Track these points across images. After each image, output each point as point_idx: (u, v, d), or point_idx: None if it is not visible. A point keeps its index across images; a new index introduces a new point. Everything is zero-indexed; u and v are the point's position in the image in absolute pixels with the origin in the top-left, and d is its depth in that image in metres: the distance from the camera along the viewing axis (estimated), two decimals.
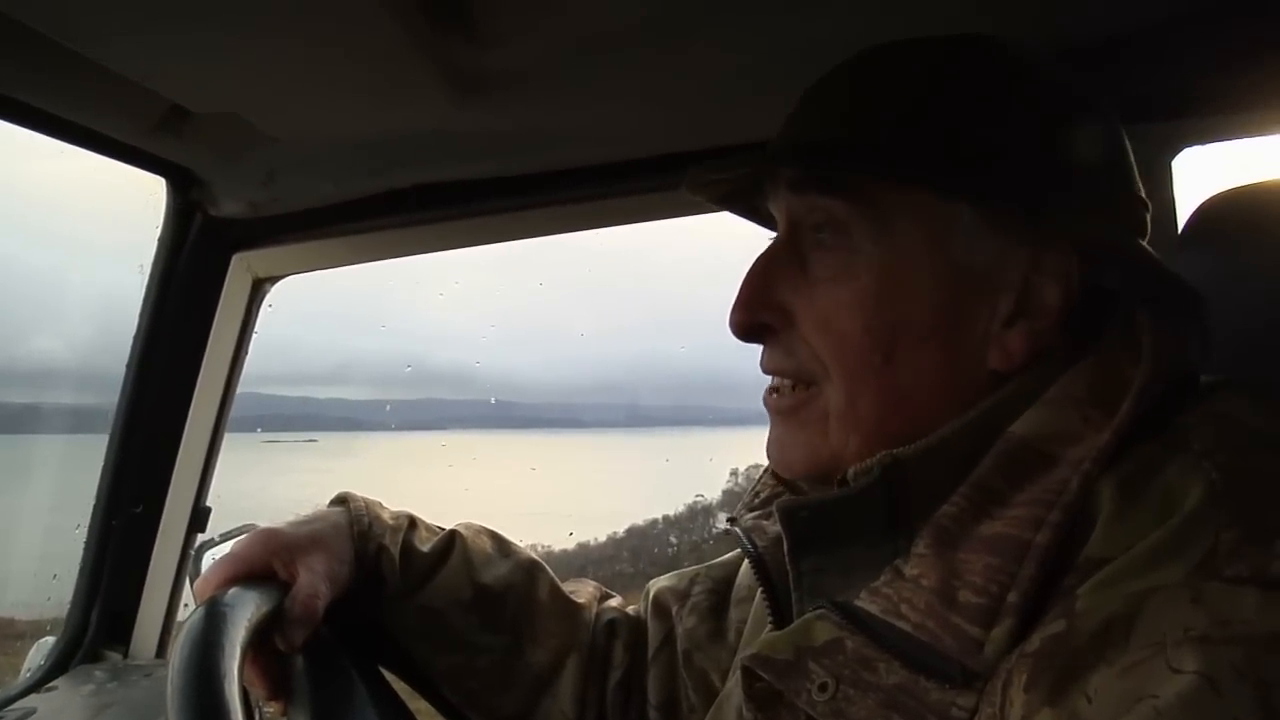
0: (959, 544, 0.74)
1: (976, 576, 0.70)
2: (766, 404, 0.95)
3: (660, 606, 1.33)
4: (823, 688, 0.73)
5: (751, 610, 1.18)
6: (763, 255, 0.93)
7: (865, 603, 0.77)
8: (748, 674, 0.80)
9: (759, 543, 0.98)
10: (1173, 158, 1.40)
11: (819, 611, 0.79)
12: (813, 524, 0.83)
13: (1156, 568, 0.62)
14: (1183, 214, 1.37)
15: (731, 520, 1.06)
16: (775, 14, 1.23)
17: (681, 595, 1.31)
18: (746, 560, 1.04)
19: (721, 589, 1.28)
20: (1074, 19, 1.30)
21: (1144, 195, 0.88)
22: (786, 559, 0.87)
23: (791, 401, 0.91)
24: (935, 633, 0.70)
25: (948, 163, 0.82)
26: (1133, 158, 0.88)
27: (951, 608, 0.70)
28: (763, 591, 0.96)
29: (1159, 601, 0.59)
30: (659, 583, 1.37)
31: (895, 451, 0.79)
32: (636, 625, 1.36)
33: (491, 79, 1.34)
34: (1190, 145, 1.40)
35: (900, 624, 0.73)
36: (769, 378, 0.94)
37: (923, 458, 0.79)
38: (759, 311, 0.91)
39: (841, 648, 0.75)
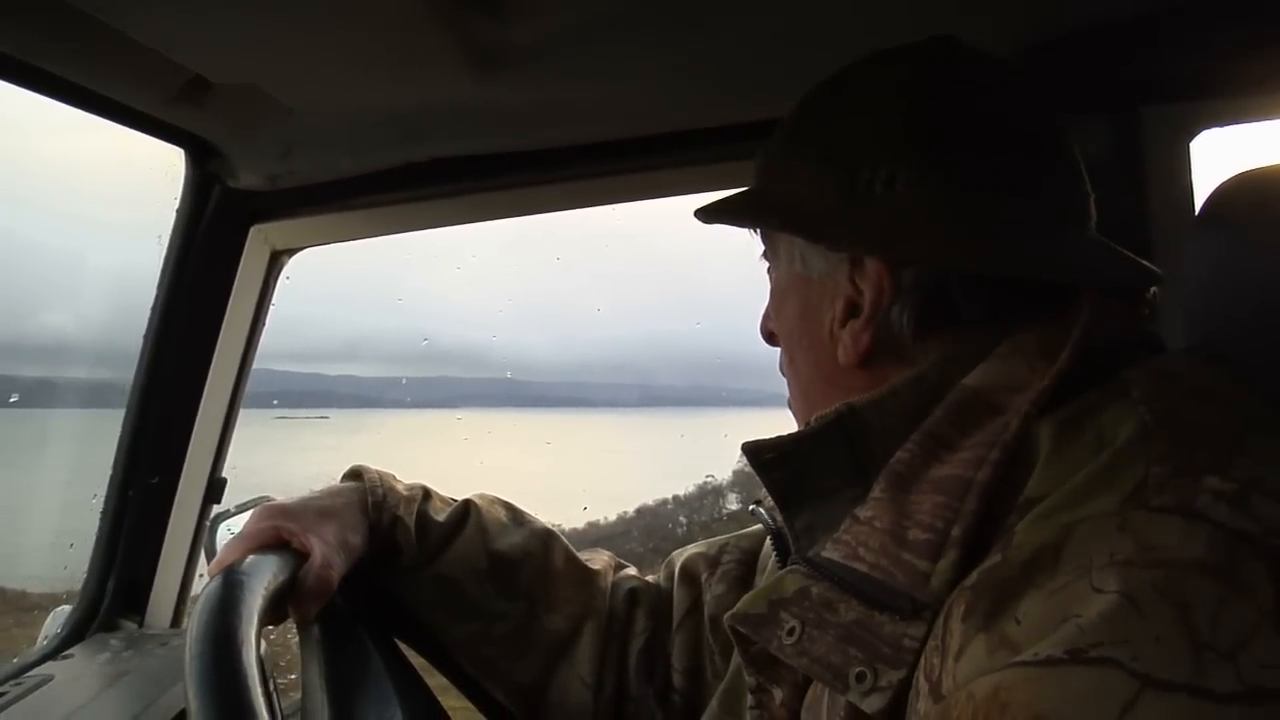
0: (911, 487, 0.77)
1: (925, 515, 0.74)
2: None
3: (689, 574, 1.35)
4: (790, 632, 0.77)
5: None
6: None
7: (829, 551, 0.80)
8: (740, 637, 0.83)
9: (777, 518, 1.01)
10: (1191, 140, 1.40)
11: (792, 567, 0.83)
12: (787, 474, 0.90)
13: (1088, 499, 0.65)
14: (1200, 196, 1.38)
15: (757, 503, 1.11)
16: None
17: (712, 562, 1.33)
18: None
19: (749, 559, 1.31)
20: (1085, 2, 1.30)
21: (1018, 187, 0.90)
22: (782, 519, 0.92)
23: None
24: (888, 570, 0.73)
25: (763, 204, 1.00)
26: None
27: (902, 545, 0.74)
28: (776, 559, 1.06)
29: (1087, 530, 0.62)
30: (687, 551, 1.39)
31: (851, 400, 0.85)
32: (658, 593, 1.37)
33: (512, 53, 1.34)
34: (1209, 127, 1.40)
35: (858, 566, 0.76)
36: (779, 370, 1.07)
37: (876, 406, 0.84)
38: (765, 322, 1.08)
39: (807, 594, 0.78)
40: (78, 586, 1.86)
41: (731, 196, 1.02)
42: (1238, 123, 1.40)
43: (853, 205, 0.89)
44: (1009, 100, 0.92)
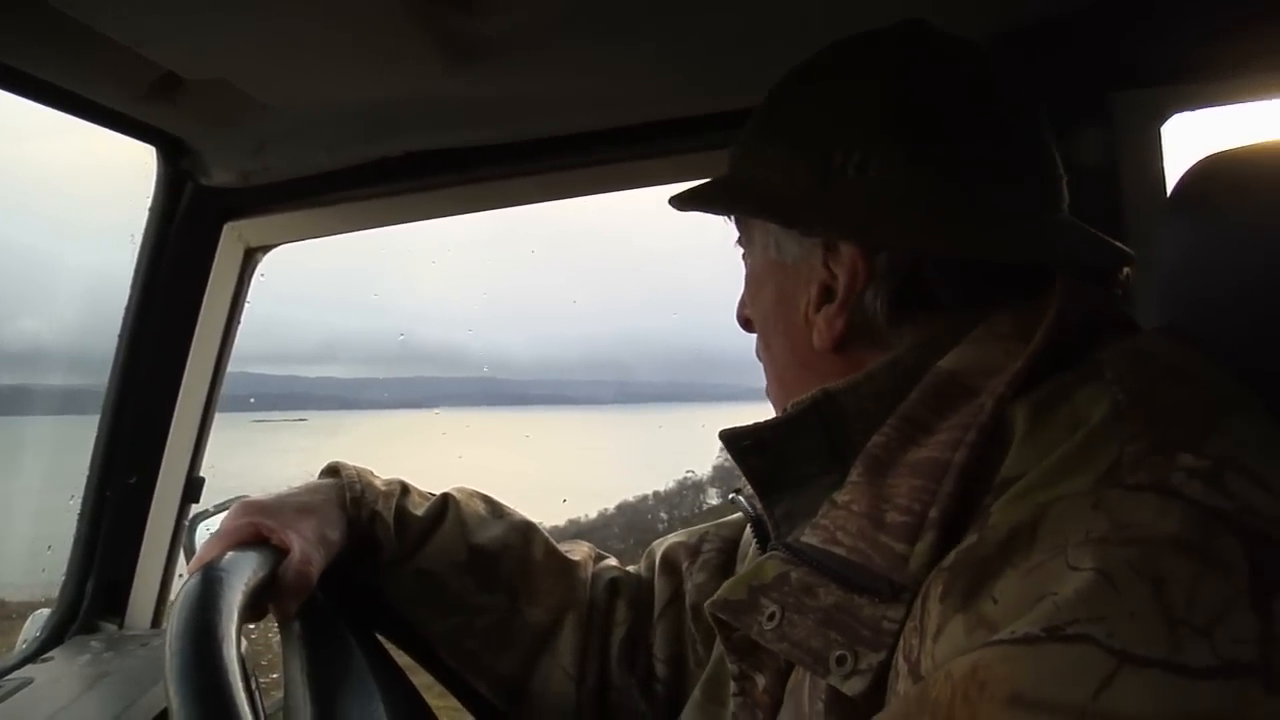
0: (888, 470, 0.78)
1: (902, 498, 0.74)
2: None
3: (670, 563, 1.35)
4: (770, 617, 0.78)
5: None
6: None
7: (808, 536, 0.81)
8: (721, 625, 0.84)
9: (757, 506, 1.01)
10: (1162, 124, 1.41)
11: (771, 553, 0.84)
12: (764, 460, 0.90)
13: (1063, 479, 0.66)
14: (1172, 180, 1.39)
15: (736, 491, 1.11)
16: None
17: (693, 551, 1.33)
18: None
19: (730, 548, 1.31)
20: None
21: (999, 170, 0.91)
22: (760, 505, 0.92)
23: None
24: (866, 553, 0.74)
25: (737, 191, 1.00)
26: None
27: (880, 528, 0.74)
28: (757, 546, 1.06)
29: (1062, 508, 0.63)
30: (667, 540, 1.39)
31: (827, 385, 0.86)
32: (639, 583, 1.38)
33: (485, 45, 1.33)
34: (1179, 111, 1.41)
35: (836, 550, 0.77)
36: (756, 355, 1.08)
37: (852, 391, 0.85)
38: (741, 309, 1.09)
39: (787, 580, 0.79)
40: (55, 592, 1.85)
41: (705, 184, 1.03)
42: (1208, 106, 1.41)
43: (826, 190, 0.89)
44: (981, 83, 0.92)
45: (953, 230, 0.86)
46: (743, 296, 1.08)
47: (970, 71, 0.93)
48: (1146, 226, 1.33)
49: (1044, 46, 1.37)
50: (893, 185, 0.87)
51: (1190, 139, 1.44)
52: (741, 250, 1.07)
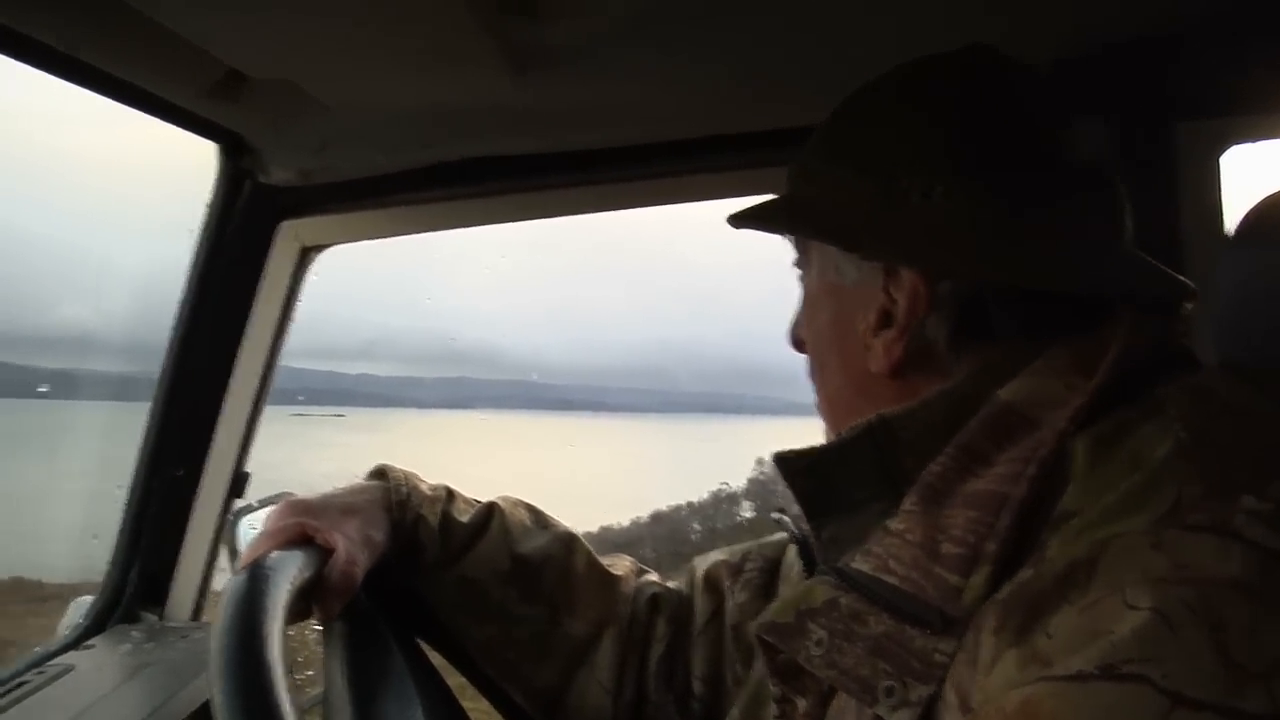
0: (944, 501, 0.77)
1: (958, 529, 0.73)
2: None
3: (711, 581, 1.34)
4: (819, 642, 0.77)
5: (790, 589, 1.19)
6: None
7: (859, 563, 0.80)
8: (766, 647, 0.84)
9: (803, 527, 1.01)
10: (1221, 155, 1.40)
11: (820, 577, 0.84)
12: (815, 483, 0.89)
13: (1122, 517, 0.65)
14: (1230, 211, 1.38)
15: (780, 511, 1.10)
16: (827, 5, 1.25)
17: (735, 570, 1.33)
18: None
19: (772, 568, 1.30)
20: (1117, 16, 1.29)
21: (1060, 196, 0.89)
22: (808, 528, 0.92)
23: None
24: (919, 583, 0.74)
25: (797, 212, 0.99)
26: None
27: (935, 559, 0.74)
28: (802, 568, 1.07)
29: (1120, 546, 0.62)
30: (710, 558, 1.38)
31: (883, 411, 0.85)
32: (679, 599, 1.37)
33: (547, 54, 1.34)
34: (1239, 142, 1.40)
35: (889, 579, 0.76)
36: (809, 376, 1.07)
37: (908, 418, 0.84)
38: (793, 330, 1.08)
39: (836, 605, 0.78)
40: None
41: (765, 203, 1.02)
42: (1268, 139, 1.40)
43: (889, 215, 0.88)
44: (1047, 112, 0.91)
45: (1016, 259, 0.85)
46: (797, 316, 1.08)
47: (1037, 100, 0.92)
48: (1204, 258, 1.32)
49: (1105, 73, 1.36)
50: (958, 212, 0.86)
51: (1250, 170, 1.43)
52: (799, 271, 1.06)
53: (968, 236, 0.85)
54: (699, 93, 1.52)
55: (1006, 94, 0.91)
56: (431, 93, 1.46)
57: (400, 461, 1.37)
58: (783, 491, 1.00)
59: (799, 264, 1.05)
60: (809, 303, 1.04)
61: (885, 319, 0.90)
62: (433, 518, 1.28)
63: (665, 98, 1.54)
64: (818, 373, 1.03)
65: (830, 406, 1.01)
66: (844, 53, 1.27)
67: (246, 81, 1.41)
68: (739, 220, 1.02)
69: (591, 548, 1.40)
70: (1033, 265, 0.85)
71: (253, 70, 1.37)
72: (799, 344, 1.07)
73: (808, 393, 1.06)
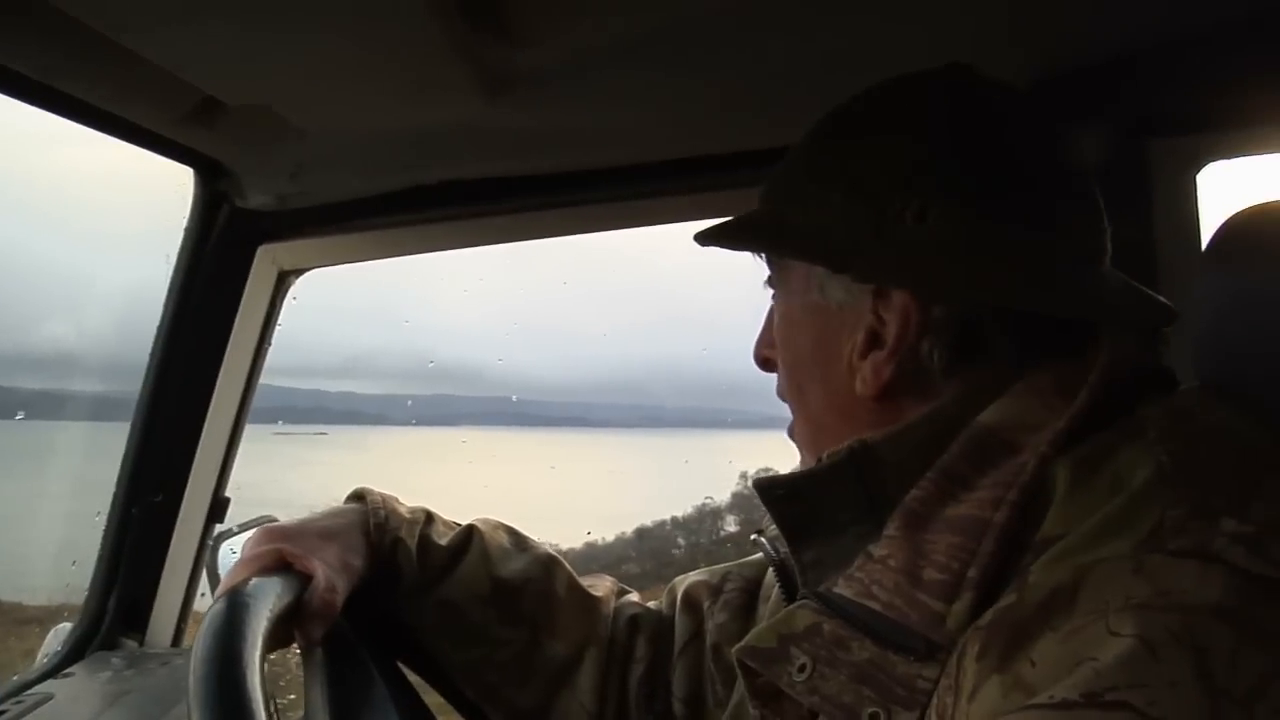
0: (926, 526, 0.77)
1: (940, 555, 0.73)
2: None
3: (691, 601, 1.34)
4: (801, 668, 0.77)
5: (769, 610, 1.19)
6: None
7: (841, 588, 0.80)
8: (746, 670, 0.83)
9: (781, 549, 1.02)
10: (1197, 173, 1.40)
11: (802, 602, 0.83)
12: (796, 508, 0.89)
13: (1104, 541, 0.65)
14: (1207, 229, 1.38)
15: (758, 532, 1.11)
16: (799, 27, 1.26)
17: (714, 590, 1.32)
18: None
19: (752, 588, 1.30)
20: (1093, 34, 1.31)
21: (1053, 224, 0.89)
22: (789, 552, 0.92)
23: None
24: (902, 610, 0.74)
25: (780, 231, 0.97)
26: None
27: (917, 585, 0.74)
28: (780, 590, 1.05)
29: (1103, 572, 0.62)
30: (689, 578, 1.38)
31: (864, 436, 0.84)
32: (659, 620, 1.37)
33: (522, 78, 1.34)
34: (1215, 160, 1.40)
35: (871, 604, 0.76)
36: (779, 395, 1.06)
37: (890, 441, 0.83)
38: (760, 348, 1.07)
39: (819, 631, 0.78)
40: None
41: (738, 220, 1.01)
42: (1244, 156, 1.41)
43: (881, 237, 0.87)
44: (1032, 133, 0.92)
45: (1009, 281, 0.85)
46: (762, 335, 1.07)
47: (1023, 120, 0.92)
48: (1181, 276, 1.32)
49: (1080, 92, 1.36)
50: (951, 235, 0.85)
51: (1226, 188, 1.43)
52: (770, 290, 1.05)
53: (962, 260, 0.85)
54: (671, 115, 1.54)
55: (993, 114, 0.91)
56: (407, 117, 1.47)
57: (384, 478, 1.37)
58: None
59: (771, 283, 1.04)
60: (786, 323, 1.01)
61: (873, 340, 0.89)
62: (411, 541, 1.27)
63: (639, 120, 1.55)
64: (796, 395, 1.01)
65: (810, 429, 1.00)
66: (819, 74, 1.28)
67: (222, 107, 1.41)
68: (714, 238, 1.01)
69: (576, 564, 1.40)
70: (1024, 287, 0.85)
71: (228, 96, 1.38)
72: (766, 363, 1.07)
73: (784, 407, 1.05)
